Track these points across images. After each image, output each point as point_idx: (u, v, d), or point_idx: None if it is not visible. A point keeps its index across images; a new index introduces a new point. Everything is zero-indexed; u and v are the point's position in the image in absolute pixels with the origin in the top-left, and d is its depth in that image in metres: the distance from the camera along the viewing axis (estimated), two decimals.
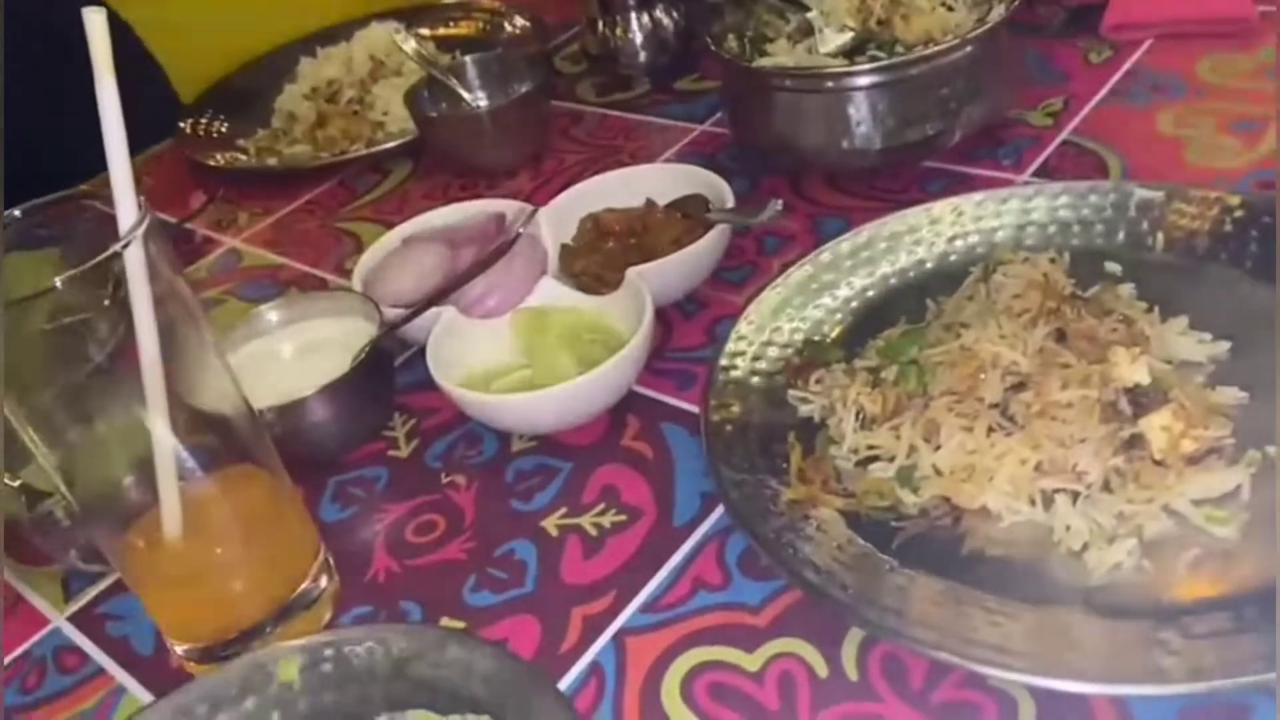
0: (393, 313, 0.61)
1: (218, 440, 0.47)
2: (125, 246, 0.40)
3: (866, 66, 0.69)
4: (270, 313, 0.62)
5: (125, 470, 0.46)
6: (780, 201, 0.62)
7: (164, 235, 0.42)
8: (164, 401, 0.43)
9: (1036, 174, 0.70)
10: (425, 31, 1.04)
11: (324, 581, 0.51)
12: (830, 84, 0.70)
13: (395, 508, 0.57)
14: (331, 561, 0.53)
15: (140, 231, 0.40)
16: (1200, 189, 0.60)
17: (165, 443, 0.44)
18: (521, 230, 0.60)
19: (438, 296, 0.60)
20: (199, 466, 0.46)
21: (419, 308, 0.59)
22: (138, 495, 0.46)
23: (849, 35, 0.74)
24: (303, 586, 0.50)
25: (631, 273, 0.61)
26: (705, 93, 0.90)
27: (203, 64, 1.09)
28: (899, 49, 0.71)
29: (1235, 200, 0.59)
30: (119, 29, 1.14)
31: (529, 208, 0.66)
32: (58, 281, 0.39)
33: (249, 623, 0.49)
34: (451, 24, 1.10)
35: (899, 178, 0.73)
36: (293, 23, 1.09)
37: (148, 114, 1.02)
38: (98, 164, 0.41)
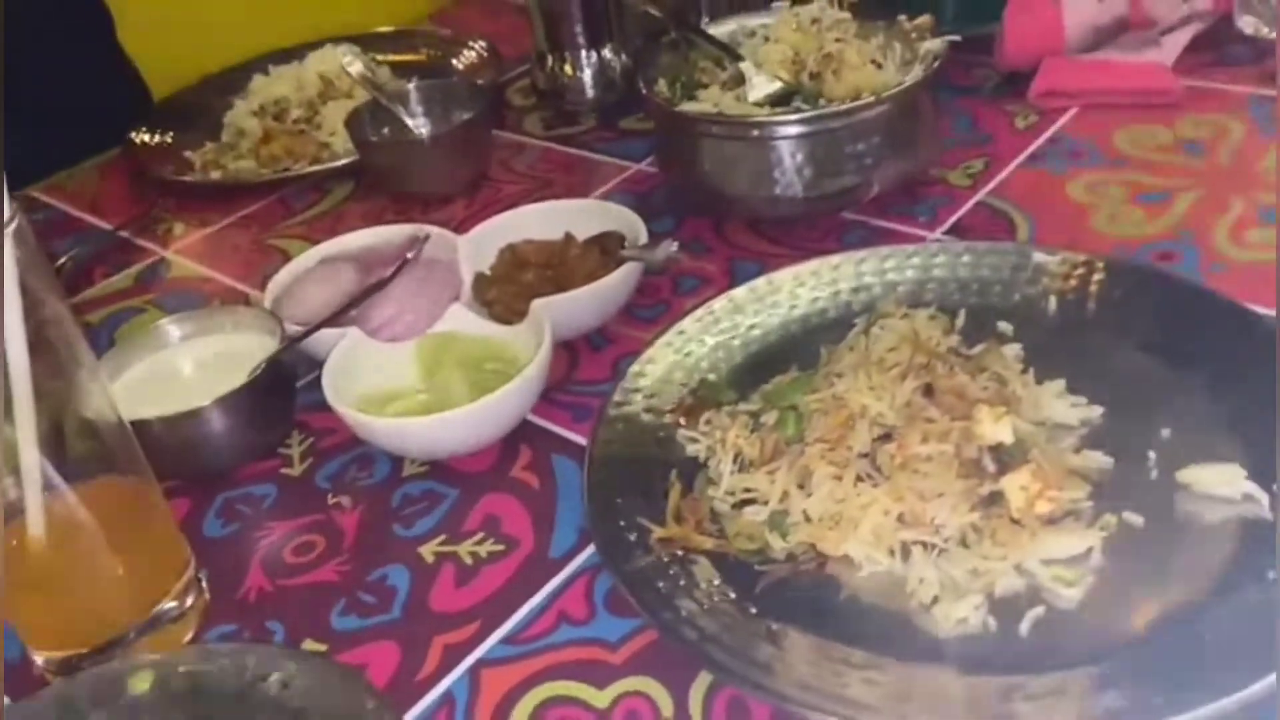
0: (295, 329, 0.61)
1: (87, 451, 0.47)
2: None
3: (787, 117, 0.70)
4: (172, 326, 0.62)
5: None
6: (676, 242, 0.62)
7: (34, 239, 0.43)
8: (31, 411, 0.43)
9: (949, 232, 0.71)
10: (381, 57, 1.05)
11: (190, 599, 0.51)
12: (754, 132, 0.71)
13: (278, 526, 0.57)
14: (204, 579, 0.53)
15: (10, 229, 0.40)
16: (1096, 256, 0.61)
17: (30, 450, 0.44)
18: (410, 256, 0.60)
19: (334, 316, 0.60)
20: (65, 477, 0.46)
21: (315, 325, 0.60)
22: (15, 496, 0.45)
23: (777, 85, 0.75)
24: (166, 603, 0.50)
25: (537, 304, 0.62)
26: (647, 133, 0.91)
27: (175, 72, 1.10)
28: (822, 102, 0.73)
29: (1128, 269, 0.60)
30: (101, 22, 1.13)
31: (443, 233, 0.67)
32: None
33: (108, 636, 0.48)
34: (409, 51, 1.11)
35: (818, 227, 0.74)
36: (267, 38, 1.10)
37: (121, 112, 1.03)
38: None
